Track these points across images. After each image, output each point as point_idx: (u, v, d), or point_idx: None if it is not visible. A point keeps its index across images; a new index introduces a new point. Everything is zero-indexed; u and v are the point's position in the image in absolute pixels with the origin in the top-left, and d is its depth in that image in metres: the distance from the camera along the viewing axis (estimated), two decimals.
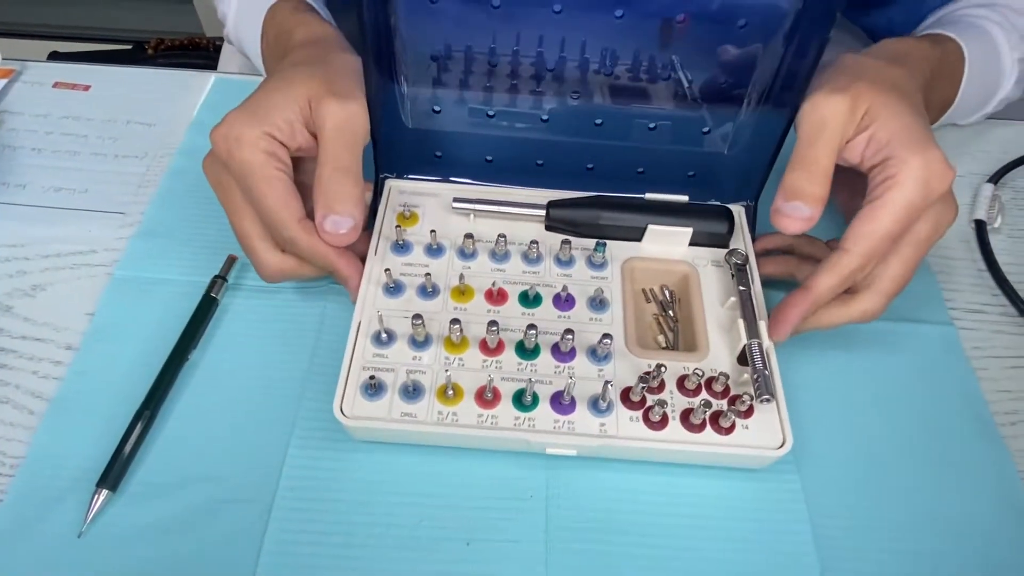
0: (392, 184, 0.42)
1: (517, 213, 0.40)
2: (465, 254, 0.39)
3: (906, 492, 0.35)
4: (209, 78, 0.52)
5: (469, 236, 0.39)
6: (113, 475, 0.33)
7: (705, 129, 0.40)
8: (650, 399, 0.34)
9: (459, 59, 0.38)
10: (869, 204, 0.33)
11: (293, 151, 0.35)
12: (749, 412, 0.34)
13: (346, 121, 0.35)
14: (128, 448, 0.33)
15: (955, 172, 0.33)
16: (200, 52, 0.97)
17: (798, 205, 0.33)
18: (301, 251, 0.35)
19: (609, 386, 0.33)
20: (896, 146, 0.33)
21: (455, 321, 0.35)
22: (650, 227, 0.40)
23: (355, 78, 0.36)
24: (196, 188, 0.45)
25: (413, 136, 0.41)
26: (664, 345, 0.38)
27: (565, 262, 0.39)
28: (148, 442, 0.34)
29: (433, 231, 0.39)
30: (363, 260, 0.38)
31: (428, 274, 0.37)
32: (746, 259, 0.39)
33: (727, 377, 0.34)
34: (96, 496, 0.32)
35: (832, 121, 0.33)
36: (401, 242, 0.39)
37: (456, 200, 0.40)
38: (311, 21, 0.42)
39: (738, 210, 0.42)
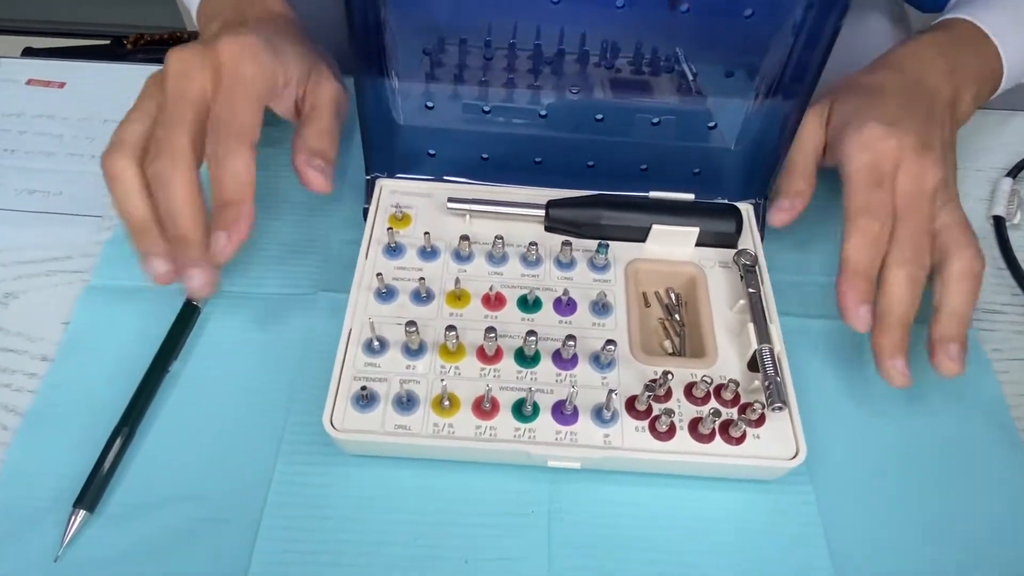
0: (383, 184, 0.42)
1: (515, 213, 0.40)
2: (461, 257, 0.39)
3: (926, 503, 0.35)
4: None
5: (465, 238, 0.39)
6: (91, 495, 0.32)
7: (711, 124, 0.40)
8: (656, 408, 0.34)
9: (453, 52, 0.38)
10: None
11: (272, 100, 0.39)
12: (760, 421, 0.34)
13: (340, 95, 0.42)
14: (106, 466, 0.33)
15: (896, 137, 0.37)
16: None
17: (779, 201, 0.40)
18: (231, 167, 0.35)
19: (613, 395, 0.33)
20: (843, 128, 0.39)
21: (451, 328, 0.34)
22: (654, 227, 0.39)
23: (336, 69, 0.43)
24: None
25: (405, 133, 0.41)
26: (670, 351, 0.38)
27: (566, 264, 0.39)
28: (127, 459, 0.34)
29: (427, 233, 0.39)
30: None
31: (422, 278, 0.37)
32: (755, 260, 0.39)
33: (737, 384, 0.34)
34: (73, 517, 0.32)
35: (803, 131, 0.40)
36: (393, 245, 0.39)
37: (451, 200, 0.40)
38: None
39: (746, 208, 0.42)
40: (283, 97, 0.40)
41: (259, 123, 0.36)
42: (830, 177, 0.48)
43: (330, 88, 0.41)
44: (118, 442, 0.33)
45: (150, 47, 0.93)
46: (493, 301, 0.37)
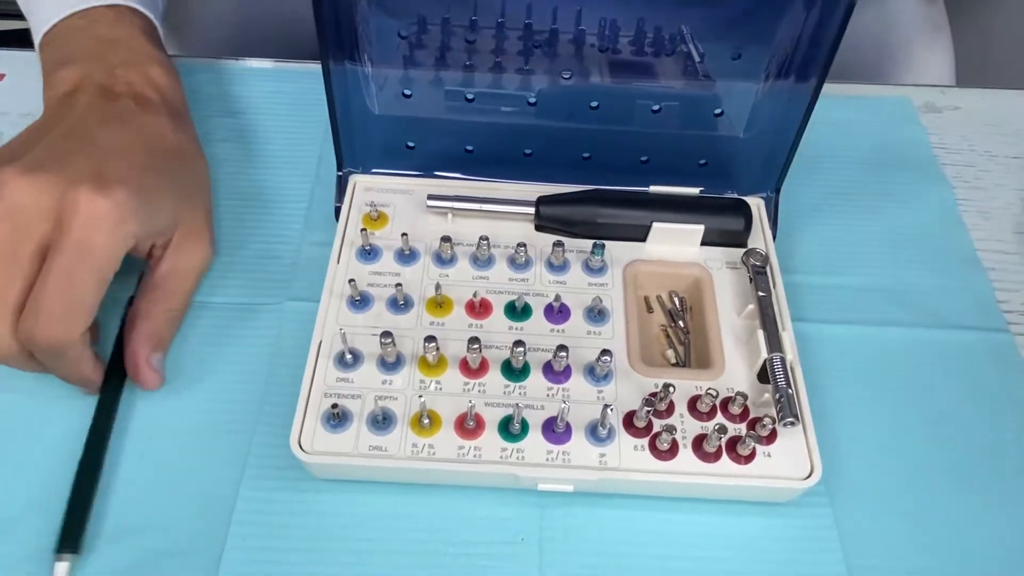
0: (357, 180, 0.42)
1: (502, 211, 0.41)
2: (442, 260, 0.39)
3: (957, 527, 0.35)
4: None
5: (446, 239, 0.39)
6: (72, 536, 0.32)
7: (718, 110, 0.41)
8: (657, 424, 0.34)
9: (433, 34, 0.38)
10: None
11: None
12: (771, 437, 0.34)
13: (204, 264, 0.38)
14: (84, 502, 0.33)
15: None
16: None
17: None
18: (70, 354, 0.32)
19: (609, 410, 0.33)
20: None
21: (431, 338, 0.35)
22: (655, 225, 0.40)
23: (209, 214, 0.40)
24: None
25: (380, 124, 0.41)
26: (673, 361, 0.38)
27: (558, 267, 0.39)
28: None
29: (405, 234, 0.39)
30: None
31: (399, 284, 0.37)
32: (766, 260, 0.39)
33: (745, 397, 0.34)
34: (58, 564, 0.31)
35: None
36: (368, 247, 0.39)
37: (431, 197, 0.41)
38: (161, 58, 0.42)
39: (756, 203, 0.42)
40: (138, 248, 0.35)
41: (98, 303, 0.32)
42: (846, 171, 0.49)
43: (197, 254, 0.37)
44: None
45: None
46: (478, 308, 0.38)
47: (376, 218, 0.41)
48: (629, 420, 0.34)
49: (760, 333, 0.36)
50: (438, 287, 0.37)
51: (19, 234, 0.31)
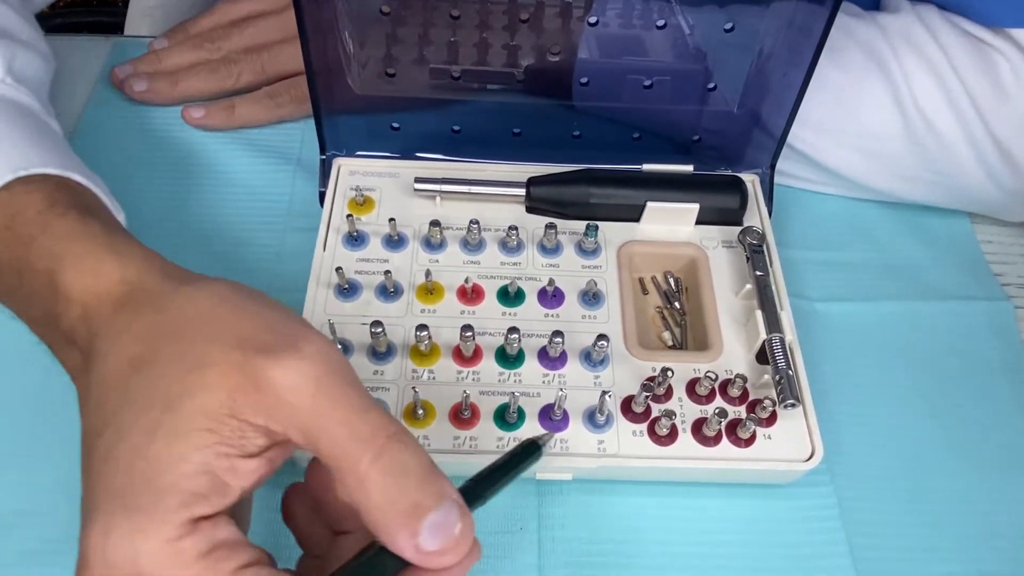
0: (341, 163, 0.42)
1: (492, 193, 0.40)
2: (431, 245, 0.39)
3: (959, 503, 0.35)
4: (109, 43, 0.50)
5: (436, 223, 0.38)
6: None
7: (710, 84, 0.40)
8: (656, 409, 0.34)
9: (416, 9, 0.37)
10: None
11: (240, 499, 0.24)
12: (771, 419, 0.34)
13: (326, 372, 0.24)
14: None
15: None
16: (107, 8, 0.94)
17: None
18: None
19: (607, 396, 0.33)
20: None
21: (422, 327, 0.34)
22: (649, 204, 0.39)
23: (276, 311, 0.25)
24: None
25: (364, 105, 0.40)
26: (670, 344, 0.38)
27: (550, 250, 0.39)
28: (54, 502, 0.33)
29: (392, 219, 0.38)
30: None
31: (388, 271, 0.37)
32: (763, 238, 0.39)
33: (744, 380, 0.34)
34: None
35: None
36: (354, 233, 0.39)
37: (418, 180, 0.40)
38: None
39: (751, 179, 0.42)
40: (243, 482, 0.24)
41: None
42: None
43: (291, 373, 0.23)
44: None
45: (71, 10, 0.91)
46: (469, 294, 0.37)
47: (362, 203, 0.40)
48: (627, 405, 0.34)
49: (758, 313, 0.36)
50: (428, 273, 0.37)
51: None
